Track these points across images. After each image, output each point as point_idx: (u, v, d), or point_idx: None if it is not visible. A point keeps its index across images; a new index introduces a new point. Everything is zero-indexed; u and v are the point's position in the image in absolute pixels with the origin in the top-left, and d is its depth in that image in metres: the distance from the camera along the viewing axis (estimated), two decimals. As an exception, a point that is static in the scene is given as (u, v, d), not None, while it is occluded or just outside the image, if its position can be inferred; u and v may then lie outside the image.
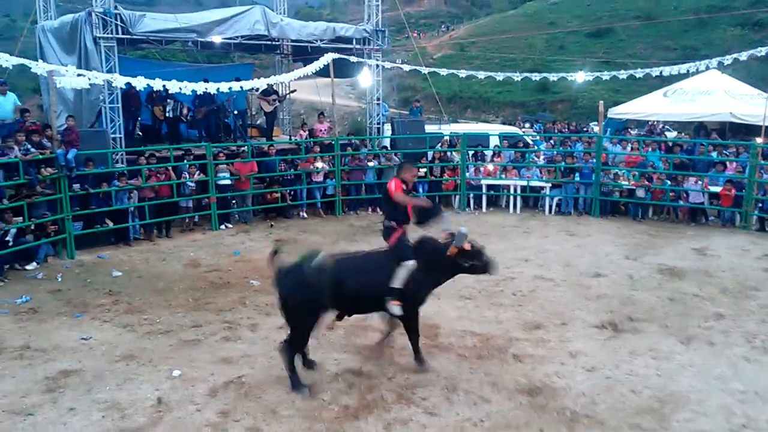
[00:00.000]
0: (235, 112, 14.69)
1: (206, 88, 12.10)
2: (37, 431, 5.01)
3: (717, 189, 12.31)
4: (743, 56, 13.78)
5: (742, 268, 9.37)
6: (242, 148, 13.17)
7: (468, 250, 5.90)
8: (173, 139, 13.89)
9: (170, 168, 11.78)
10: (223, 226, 12.32)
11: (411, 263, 5.78)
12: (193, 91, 11.99)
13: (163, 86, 11.74)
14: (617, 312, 7.59)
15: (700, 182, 12.57)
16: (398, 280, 5.73)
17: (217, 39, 13.62)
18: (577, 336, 6.89)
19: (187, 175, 11.97)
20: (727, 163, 12.90)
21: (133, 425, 5.07)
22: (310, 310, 5.60)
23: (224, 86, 12.32)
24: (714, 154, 13.50)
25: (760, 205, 11.81)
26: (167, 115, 14.01)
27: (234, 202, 12.90)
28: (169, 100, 13.80)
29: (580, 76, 18.33)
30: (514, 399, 5.49)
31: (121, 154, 12.15)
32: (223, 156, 12.57)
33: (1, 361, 6.34)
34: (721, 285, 8.59)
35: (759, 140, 12.82)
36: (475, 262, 5.97)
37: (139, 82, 11.47)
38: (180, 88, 11.74)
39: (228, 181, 12.48)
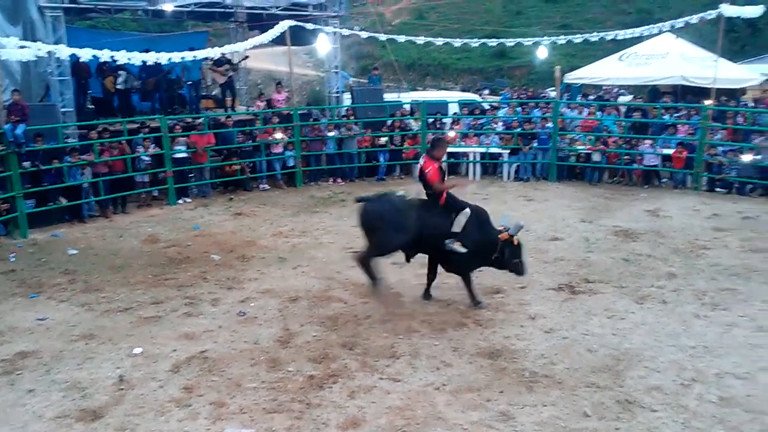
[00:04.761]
0: (189, 82, 14.34)
1: (157, 58, 11.76)
2: (-4, 414, 4.93)
3: (669, 151, 12.61)
4: (694, 19, 14.01)
5: (693, 228, 9.67)
6: (198, 120, 12.91)
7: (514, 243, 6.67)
8: (126, 112, 13.52)
9: (124, 142, 11.49)
10: (181, 201, 12.12)
11: (468, 210, 6.55)
12: (143, 62, 11.64)
13: (111, 57, 11.36)
14: (574, 274, 7.80)
15: (654, 145, 12.85)
16: (459, 225, 6.48)
17: (168, 7, 13.19)
18: (536, 299, 7.06)
19: (142, 149, 11.70)
20: (679, 125, 13.19)
21: (94, 404, 5.03)
22: (397, 231, 6.39)
23: (176, 56, 12.00)
24: (666, 117, 13.77)
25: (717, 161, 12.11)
26: (118, 87, 13.61)
27: (192, 175, 12.67)
28: (120, 72, 13.40)
29: (542, 52, 18.40)
30: (476, 362, 5.62)
31: (73, 129, 11.79)
32: (179, 128, 12.31)
33: (-45, 345, 6.20)
34: (673, 245, 8.87)
35: (708, 102, 13.16)
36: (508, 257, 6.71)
37: (86, 53, 11.06)
38: (129, 59, 11.39)
39: (184, 155, 12.24)
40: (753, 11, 13.93)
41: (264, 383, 5.30)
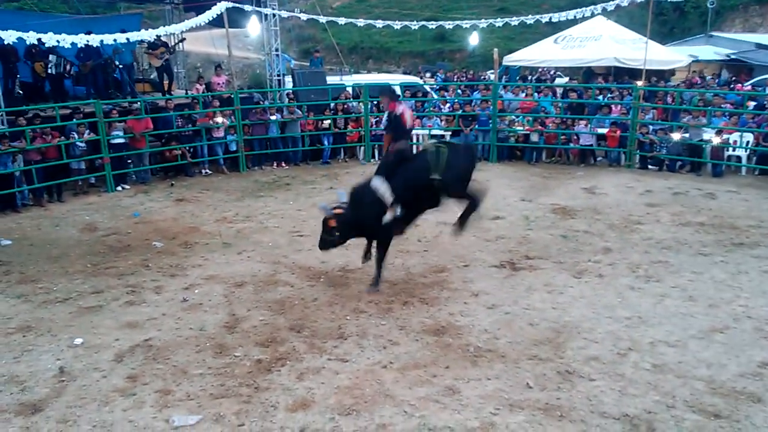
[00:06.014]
0: (120, 66, 13.87)
1: (88, 41, 11.32)
2: (-72, 412, 4.73)
3: (604, 131, 13.02)
4: (625, 2, 14.47)
5: (627, 204, 10.04)
6: (135, 105, 12.54)
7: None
8: (58, 97, 12.99)
9: (57, 128, 11.05)
10: (119, 188, 11.78)
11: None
12: (74, 44, 11.18)
13: (39, 40, 10.87)
14: (515, 251, 7.99)
15: (589, 125, 13.23)
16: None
17: (99, -13, 12.73)
18: (479, 276, 7.20)
19: (76, 135, 11.30)
20: (612, 105, 13.63)
21: (34, 397, 4.89)
22: None
23: (108, 38, 11.58)
24: (600, 98, 14.20)
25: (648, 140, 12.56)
26: (50, 71, 13.05)
27: (130, 161, 12.33)
28: (51, 56, 12.84)
29: (474, 38, 18.67)
30: (422, 340, 5.71)
31: (1, 115, 11.27)
32: (116, 113, 11.94)
33: None
34: (609, 221, 9.19)
35: (640, 83, 13.62)
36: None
37: (10, 36, 10.52)
38: (58, 41, 10.91)
39: (122, 140, 11.89)
40: (680, -6, 14.48)
41: (211, 369, 5.26)
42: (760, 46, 23.41)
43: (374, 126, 14.08)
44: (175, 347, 5.66)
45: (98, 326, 6.13)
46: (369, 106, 13.90)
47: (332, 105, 14.07)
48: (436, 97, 15.53)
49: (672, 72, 18.44)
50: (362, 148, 14.14)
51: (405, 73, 25.50)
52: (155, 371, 5.24)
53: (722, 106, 13.20)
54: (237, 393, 4.89)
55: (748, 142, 12.01)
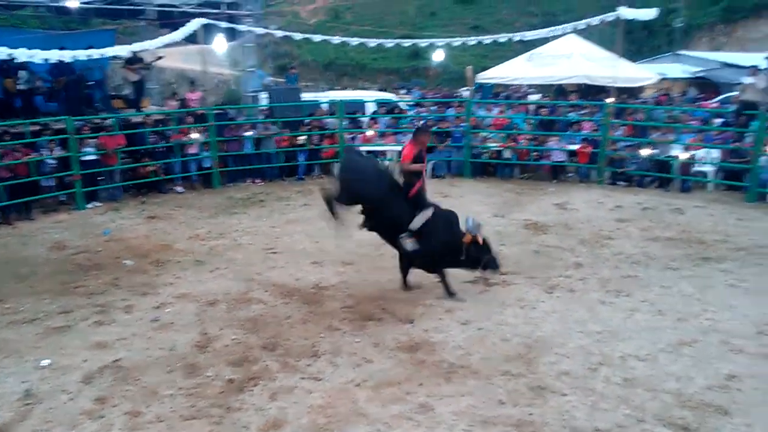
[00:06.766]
0: (91, 83, 13.75)
1: (60, 56, 11.23)
2: None
3: (575, 147, 13.21)
4: (595, 21, 14.77)
5: (598, 220, 10.17)
6: (107, 121, 12.41)
7: (480, 243, 6.81)
8: (29, 114, 12.82)
9: (27, 144, 10.90)
10: (90, 205, 11.61)
11: (429, 211, 6.76)
12: (46, 60, 11.08)
13: (9, 55, 10.74)
14: (488, 267, 8.04)
15: (561, 141, 13.42)
16: (417, 223, 6.68)
17: (73, 3, 12.63)
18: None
19: (47, 152, 11.14)
20: (583, 122, 13.84)
21: (-1, 421, 4.79)
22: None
23: (81, 54, 11.50)
24: (572, 115, 14.41)
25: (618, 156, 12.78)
26: (20, 87, 12.89)
27: (101, 178, 12.19)
28: (21, 72, 12.69)
29: (439, 55, 18.88)
30: (396, 357, 5.72)
31: (-31, 132, 11.08)
32: (88, 129, 11.80)
33: None
34: (580, 236, 9.30)
35: (610, 100, 13.87)
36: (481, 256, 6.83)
37: (-20, 52, 10.44)
38: (30, 57, 10.82)
39: (93, 157, 11.75)
40: (648, 14, 14.82)
41: (181, 390, 5.20)
42: (725, 64, 24.06)
43: (349, 142, 14.10)
44: (144, 368, 5.58)
45: (66, 347, 6.03)
46: (344, 123, 13.94)
47: (307, 121, 14.07)
48: (411, 113, 15.62)
49: (641, 89, 18.84)
50: (337, 164, 14.09)
51: (380, 89, 25.65)
52: (124, 393, 5.17)
53: (689, 122, 13.48)
54: (208, 414, 4.84)
55: (714, 158, 12.27)
